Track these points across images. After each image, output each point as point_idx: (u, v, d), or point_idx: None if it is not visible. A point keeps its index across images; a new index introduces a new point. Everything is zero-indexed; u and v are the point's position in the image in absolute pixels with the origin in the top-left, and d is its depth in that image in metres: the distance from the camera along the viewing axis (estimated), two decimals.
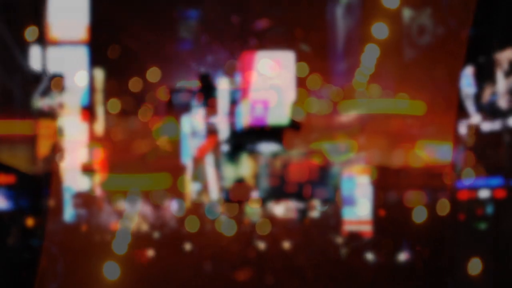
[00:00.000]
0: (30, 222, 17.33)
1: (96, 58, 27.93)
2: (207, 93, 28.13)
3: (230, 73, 27.96)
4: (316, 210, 24.50)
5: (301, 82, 26.01)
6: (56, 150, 24.73)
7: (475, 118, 20.45)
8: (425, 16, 23.79)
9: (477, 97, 20.51)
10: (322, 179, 24.80)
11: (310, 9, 24.57)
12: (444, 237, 15.86)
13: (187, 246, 17.21)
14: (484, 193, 19.86)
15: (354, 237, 19.71)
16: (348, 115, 24.50)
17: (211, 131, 28.64)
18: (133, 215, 23.19)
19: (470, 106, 20.60)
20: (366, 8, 23.97)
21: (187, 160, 29.56)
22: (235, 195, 25.64)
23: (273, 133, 26.67)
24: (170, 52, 26.09)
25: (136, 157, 26.30)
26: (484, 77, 20.27)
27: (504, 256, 14.00)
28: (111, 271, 14.91)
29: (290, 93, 27.19)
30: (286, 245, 17.47)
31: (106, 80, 28.88)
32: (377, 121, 23.64)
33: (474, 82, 20.59)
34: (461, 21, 20.48)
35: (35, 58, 26.44)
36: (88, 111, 28.31)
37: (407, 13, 24.12)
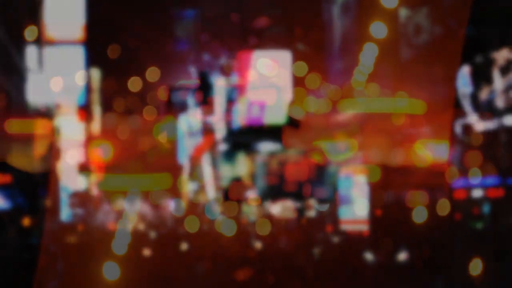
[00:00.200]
0: (28, 221, 17.33)
1: (94, 58, 27.94)
2: (206, 91, 28.15)
3: (228, 72, 27.99)
4: (314, 209, 24.53)
5: (300, 81, 26.04)
6: (53, 149, 24.72)
7: (472, 117, 20.53)
8: (422, 15, 23.85)
9: (474, 97, 20.59)
10: (321, 178, 24.82)
11: (308, 8, 24.61)
12: (444, 236, 15.90)
13: (187, 246, 17.21)
14: (481, 192, 19.94)
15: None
16: (347, 114, 24.53)
17: (209, 130, 28.65)
18: (132, 214, 23.20)
19: (466, 105, 20.67)
20: (365, 7, 24.01)
21: (184, 160, 29.56)
22: (234, 194, 25.64)
23: (272, 132, 26.68)
24: (169, 51, 26.12)
25: (136, 157, 26.30)
26: (481, 76, 20.35)
27: (503, 256, 14.05)
28: (109, 271, 14.91)
29: (287, 92, 27.21)
30: (286, 244, 17.49)
31: (104, 79, 28.88)
32: (376, 120, 23.67)
33: (470, 81, 20.67)
34: (459, 20, 20.55)
35: (31, 58, 26.43)
36: (85, 111, 28.30)
37: (404, 12, 24.18)
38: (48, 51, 27.67)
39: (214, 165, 27.84)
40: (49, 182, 19.79)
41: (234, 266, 14.66)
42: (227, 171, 26.79)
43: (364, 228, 20.73)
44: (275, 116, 27.23)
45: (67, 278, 14.81)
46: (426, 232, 16.79)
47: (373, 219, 20.87)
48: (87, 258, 15.20)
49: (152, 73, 24.91)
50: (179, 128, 29.16)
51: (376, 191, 21.02)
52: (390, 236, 16.39)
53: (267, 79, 26.93)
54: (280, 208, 24.74)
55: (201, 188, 28.22)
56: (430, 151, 22.59)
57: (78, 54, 28.17)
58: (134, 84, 24.97)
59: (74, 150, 27.74)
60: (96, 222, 22.96)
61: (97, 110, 29.49)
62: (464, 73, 20.71)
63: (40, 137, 24.45)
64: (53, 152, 24.54)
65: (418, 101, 23.10)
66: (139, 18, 24.19)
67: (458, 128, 20.73)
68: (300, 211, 24.48)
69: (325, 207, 24.20)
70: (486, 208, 19.55)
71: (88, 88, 28.76)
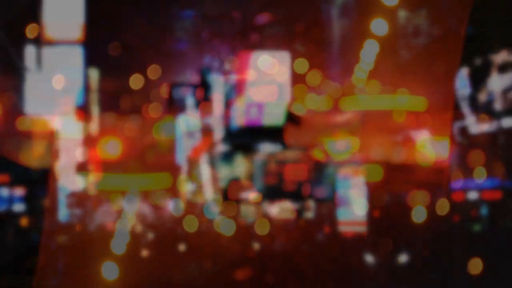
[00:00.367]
0: (25, 221, 17.33)
1: (93, 57, 27.89)
2: (206, 89, 28.12)
3: (228, 70, 27.97)
4: (313, 209, 24.48)
5: (300, 78, 25.95)
6: (52, 148, 24.70)
7: (470, 119, 20.54)
8: (423, 13, 23.84)
9: (472, 98, 20.60)
10: (320, 178, 24.79)
11: (309, 5, 24.55)
12: (443, 236, 15.91)
13: (186, 246, 17.21)
14: (480, 194, 19.94)
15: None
16: (348, 112, 24.49)
17: (207, 130, 28.62)
18: (131, 214, 23.17)
19: (465, 107, 20.69)
20: (366, 3, 23.98)
21: (182, 160, 29.51)
22: (232, 194, 25.61)
23: (272, 132, 26.63)
24: (170, 49, 26.07)
25: (136, 156, 26.26)
26: (479, 78, 20.36)
27: (503, 256, 14.07)
28: (108, 271, 14.90)
29: (287, 91, 27.19)
30: (285, 244, 17.48)
31: (104, 78, 28.83)
32: (377, 117, 23.64)
33: (469, 83, 20.68)
34: (459, 19, 20.56)
35: (30, 58, 26.40)
36: (84, 110, 28.26)
37: (405, 10, 24.17)
38: (47, 50, 27.63)
39: (213, 165, 27.80)
40: (48, 181, 19.80)
41: (233, 266, 14.66)
42: (226, 171, 26.75)
43: (363, 228, 20.73)
44: (275, 113, 27.17)
45: (65, 278, 14.81)
46: (425, 232, 16.79)
47: (372, 219, 20.86)
48: (86, 258, 15.20)
49: (153, 71, 24.87)
50: (178, 127, 29.11)
51: (376, 191, 21.01)
52: (389, 236, 16.39)
53: (267, 76, 26.87)
54: (278, 209, 24.71)
55: (200, 188, 28.18)
56: (432, 148, 22.57)
57: (77, 53, 28.13)
58: (136, 81, 24.92)
59: (72, 150, 27.70)
60: (95, 222, 22.95)
61: (96, 109, 29.45)
62: (463, 75, 20.73)
63: (39, 136, 24.43)
64: (52, 152, 24.52)
65: (420, 98, 23.07)
66: (140, 17, 24.16)
67: (456, 130, 20.76)
68: (299, 212, 24.46)
69: (324, 207, 24.17)
70: (484, 211, 19.57)
71: (87, 88, 28.71)
